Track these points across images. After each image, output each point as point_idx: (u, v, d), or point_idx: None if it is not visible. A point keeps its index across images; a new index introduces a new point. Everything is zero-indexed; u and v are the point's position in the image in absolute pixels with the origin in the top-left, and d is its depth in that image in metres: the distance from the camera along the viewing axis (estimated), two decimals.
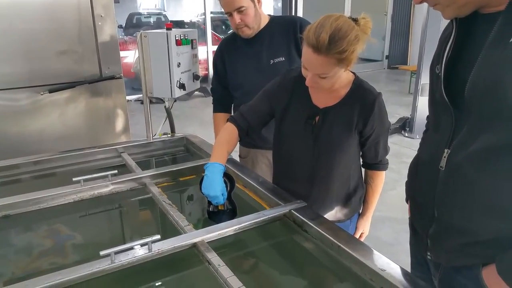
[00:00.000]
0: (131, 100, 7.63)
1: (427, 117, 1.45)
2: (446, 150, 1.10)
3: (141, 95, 2.47)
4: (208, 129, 6.12)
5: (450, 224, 1.12)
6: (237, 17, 2.00)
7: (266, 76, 1.99)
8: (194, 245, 1.31)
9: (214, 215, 1.56)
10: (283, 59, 2.08)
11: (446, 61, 1.10)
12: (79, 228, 1.58)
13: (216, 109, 2.35)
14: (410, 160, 1.38)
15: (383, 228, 3.42)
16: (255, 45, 2.11)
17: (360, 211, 1.82)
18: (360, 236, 1.85)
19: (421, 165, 1.25)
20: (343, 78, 1.53)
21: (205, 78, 8.06)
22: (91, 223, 1.64)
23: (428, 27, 5.14)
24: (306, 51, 1.40)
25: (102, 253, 1.16)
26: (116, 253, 1.19)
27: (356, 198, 1.74)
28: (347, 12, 6.50)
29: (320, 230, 1.35)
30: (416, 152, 1.35)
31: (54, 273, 1.14)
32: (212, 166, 1.55)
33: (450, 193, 1.10)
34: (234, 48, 2.17)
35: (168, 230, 1.49)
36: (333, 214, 1.73)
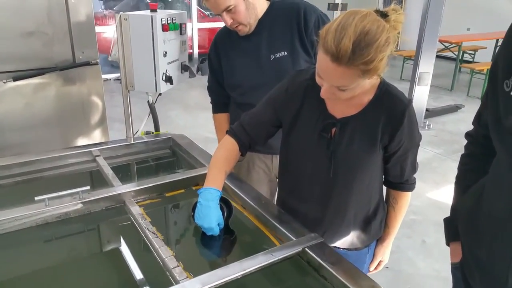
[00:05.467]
0: (110, 79, 7.20)
1: (470, 141, 1.19)
2: None
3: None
4: (193, 114, 5.90)
5: None
6: (227, 17, 1.70)
7: (267, 74, 1.77)
8: None
9: (208, 242, 1.34)
10: (286, 53, 1.78)
11: None
12: (40, 263, 1.28)
13: (216, 110, 2.05)
14: None
15: None
16: (252, 38, 1.80)
17: None
18: (378, 265, 1.60)
19: (489, 217, 0.97)
20: (366, 83, 1.23)
21: (189, 57, 7.66)
22: (53, 256, 1.33)
23: (429, 12, 4.85)
24: (322, 58, 1.11)
25: None
26: None
27: (376, 223, 1.48)
28: None
29: (344, 281, 1.08)
30: None
31: None
32: (207, 192, 1.31)
33: None
34: (229, 42, 1.85)
35: (152, 271, 1.20)
36: (349, 241, 1.47)
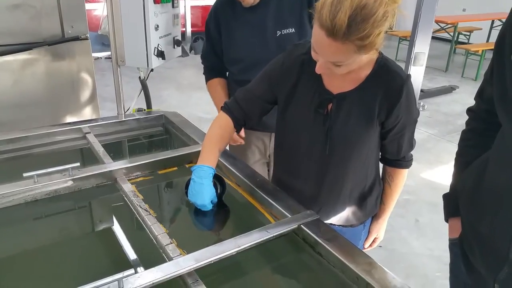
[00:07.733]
0: (101, 58, 7.06)
1: (472, 117, 1.17)
2: None
3: None
4: (186, 94, 5.83)
5: None
6: None
7: (271, 50, 1.67)
8: (180, 277, 1.01)
9: (202, 219, 1.33)
10: (293, 30, 1.70)
11: None
12: (29, 241, 1.25)
13: (210, 76, 1.94)
14: None
15: None
16: (258, 10, 1.70)
17: None
18: (373, 242, 1.59)
19: (491, 191, 0.95)
20: (363, 58, 1.19)
21: (182, 36, 7.52)
22: (43, 234, 1.30)
23: None
24: (317, 33, 1.07)
25: None
26: None
27: (372, 199, 1.47)
28: None
29: (340, 258, 1.06)
30: None
31: None
32: (200, 169, 1.28)
33: None
34: (231, 12, 1.74)
35: (145, 248, 1.18)
36: (345, 217, 1.46)
